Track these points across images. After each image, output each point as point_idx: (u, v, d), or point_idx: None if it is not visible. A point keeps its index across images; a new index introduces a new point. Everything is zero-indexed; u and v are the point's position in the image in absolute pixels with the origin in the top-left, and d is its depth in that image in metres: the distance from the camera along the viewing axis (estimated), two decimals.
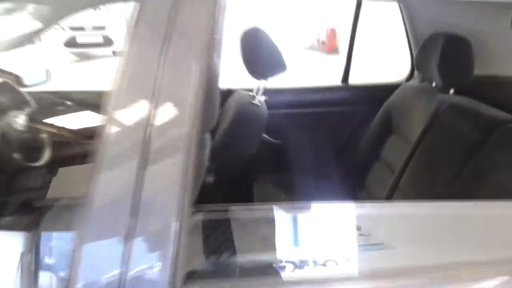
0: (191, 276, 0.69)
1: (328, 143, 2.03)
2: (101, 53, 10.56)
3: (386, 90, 1.99)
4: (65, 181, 1.50)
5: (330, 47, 10.79)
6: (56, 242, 0.79)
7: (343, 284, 0.73)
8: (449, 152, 1.36)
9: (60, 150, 1.62)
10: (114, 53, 10.80)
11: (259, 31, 1.64)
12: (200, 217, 0.77)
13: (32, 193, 1.48)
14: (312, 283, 0.72)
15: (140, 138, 0.68)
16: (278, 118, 1.96)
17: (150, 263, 0.66)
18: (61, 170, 1.60)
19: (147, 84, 0.70)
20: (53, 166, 1.54)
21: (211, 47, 0.75)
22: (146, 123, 0.68)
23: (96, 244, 0.66)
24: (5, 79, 1.90)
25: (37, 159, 1.61)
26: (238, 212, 0.92)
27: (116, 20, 10.90)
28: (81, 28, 10.18)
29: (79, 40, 10.21)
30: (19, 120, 1.80)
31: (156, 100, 0.69)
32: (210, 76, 0.76)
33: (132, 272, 0.65)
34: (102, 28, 10.30)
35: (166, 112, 0.70)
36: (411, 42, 2.02)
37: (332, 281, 0.73)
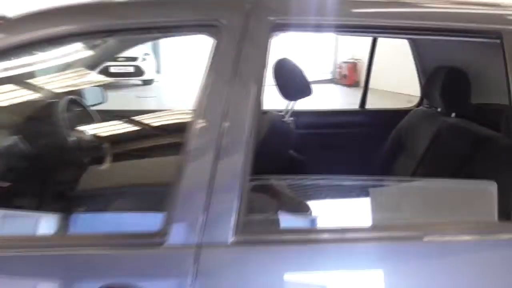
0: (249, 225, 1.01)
1: (346, 160, 2.32)
2: (131, 82, 11.11)
3: (399, 114, 2.28)
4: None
5: (351, 80, 11.15)
6: None
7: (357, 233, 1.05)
8: (447, 163, 1.63)
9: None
10: (144, 82, 11.34)
11: (289, 61, 1.97)
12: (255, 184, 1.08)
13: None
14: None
15: (214, 139, 1.01)
16: (303, 137, 2.25)
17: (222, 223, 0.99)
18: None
19: (220, 103, 1.03)
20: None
21: (263, 76, 1.08)
22: (219, 129, 1.01)
23: (182, 215, 0.99)
24: (74, 97, 2.27)
25: (100, 162, 1.95)
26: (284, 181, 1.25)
27: (147, 52, 11.49)
28: (114, 59, 10.71)
29: (112, 69, 10.67)
30: (87, 132, 2.17)
31: (226, 113, 1.03)
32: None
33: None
34: (134, 59, 10.83)
35: (233, 122, 1.03)
36: (420, 74, 2.32)
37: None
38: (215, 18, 1.09)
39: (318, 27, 1.15)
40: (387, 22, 1.18)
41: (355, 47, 10.77)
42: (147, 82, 11.48)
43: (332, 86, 11.47)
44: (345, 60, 11.49)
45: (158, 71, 12.27)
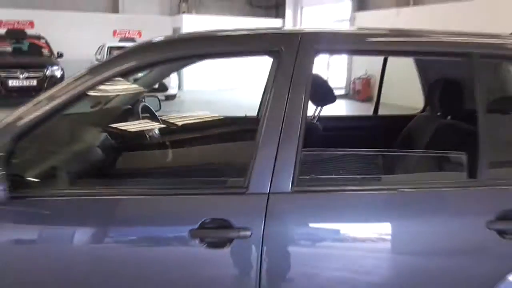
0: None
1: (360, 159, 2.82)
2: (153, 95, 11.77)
3: (407, 119, 2.79)
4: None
5: (364, 96, 11.66)
6: None
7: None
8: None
9: None
10: (167, 97, 11.99)
11: (318, 74, 2.50)
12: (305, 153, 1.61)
13: None
14: None
15: (279, 127, 1.54)
16: (327, 137, 2.76)
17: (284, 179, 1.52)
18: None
19: (281, 103, 1.56)
20: None
21: (310, 85, 1.62)
22: (281, 121, 1.54)
23: (258, 173, 1.54)
24: (145, 104, 2.85)
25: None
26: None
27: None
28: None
29: None
30: (155, 131, 2.77)
31: (285, 109, 1.56)
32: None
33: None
34: None
35: (290, 115, 1.56)
36: (423, 86, 2.84)
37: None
38: (278, 46, 1.63)
39: (346, 51, 1.71)
40: (394, 48, 1.74)
41: (368, 64, 11.34)
42: (170, 97, 12.09)
43: (346, 101, 11.99)
44: (359, 76, 12.02)
45: (180, 88, 12.94)
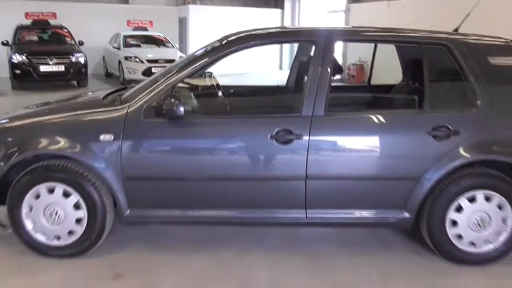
0: None
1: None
2: None
3: (392, 86, 4.12)
4: None
5: (358, 80, 12.99)
6: None
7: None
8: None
9: None
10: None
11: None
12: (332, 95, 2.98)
13: None
14: None
15: (316, 86, 2.91)
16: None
17: (318, 106, 2.89)
18: None
19: (317, 72, 2.92)
20: None
21: (333, 60, 2.97)
22: (317, 82, 2.90)
23: (306, 106, 2.91)
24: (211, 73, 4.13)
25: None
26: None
27: (182, 55, 13.39)
28: (155, 61, 12.58)
29: (153, 70, 12.49)
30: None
31: (320, 77, 2.91)
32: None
33: None
34: (172, 61, 12.70)
35: (322, 80, 2.92)
36: (401, 64, 4.16)
37: None
38: (315, 37, 2.98)
39: (352, 40, 3.07)
40: (379, 38, 3.10)
41: (362, 52, 12.66)
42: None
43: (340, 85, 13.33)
44: (353, 63, 13.33)
45: None
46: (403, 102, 3.52)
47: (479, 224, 2.97)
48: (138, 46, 13.41)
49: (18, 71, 11.22)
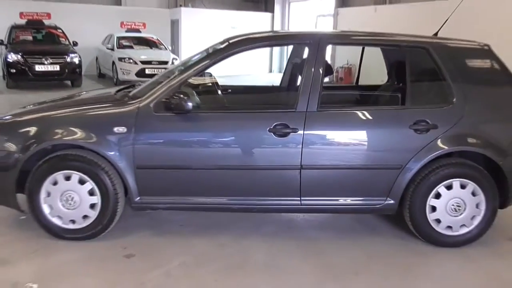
0: None
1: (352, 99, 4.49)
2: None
3: (378, 86, 4.46)
4: None
5: (346, 82, 13.37)
6: None
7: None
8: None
9: None
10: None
11: None
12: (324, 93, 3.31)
13: None
14: None
15: (310, 85, 3.23)
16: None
17: (312, 101, 3.22)
18: None
19: (310, 72, 3.26)
20: None
21: (325, 62, 3.30)
22: (311, 81, 3.23)
23: (301, 102, 3.22)
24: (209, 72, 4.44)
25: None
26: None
27: (175, 57, 13.65)
28: (149, 62, 12.82)
29: (147, 71, 12.73)
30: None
31: (313, 75, 3.25)
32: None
33: None
34: (165, 63, 12.96)
35: (315, 79, 3.24)
36: (386, 66, 4.50)
37: None
38: (307, 40, 3.30)
39: (342, 44, 3.40)
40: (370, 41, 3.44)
41: (349, 55, 13.06)
42: None
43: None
44: (341, 66, 13.72)
45: None
46: (388, 99, 3.86)
47: (455, 209, 3.31)
48: (131, 47, 13.64)
49: (13, 70, 11.40)
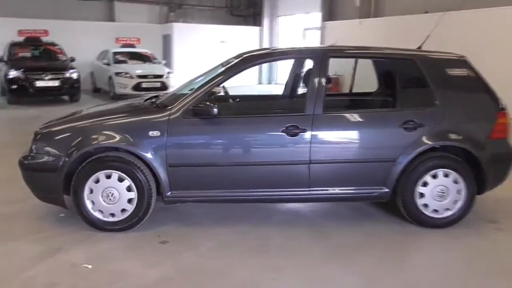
0: None
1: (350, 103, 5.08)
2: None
3: (370, 93, 5.06)
4: None
5: (334, 91, 14.03)
6: None
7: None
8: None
9: None
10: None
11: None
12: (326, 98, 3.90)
13: None
14: None
15: (315, 93, 3.81)
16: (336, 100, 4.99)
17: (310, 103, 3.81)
18: None
19: (314, 83, 3.84)
20: None
21: (328, 73, 3.89)
22: (316, 88, 3.82)
23: (309, 104, 3.81)
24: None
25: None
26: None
27: (170, 71, 14.17)
28: (145, 76, 13.32)
29: (143, 85, 13.22)
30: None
31: (318, 84, 3.83)
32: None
33: None
34: (161, 76, 13.48)
35: (319, 87, 3.83)
36: (377, 76, 5.10)
37: None
38: (313, 54, 3.89)
39: (341, 57, 4.00)
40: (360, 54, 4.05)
41: (337, 67, 13.74)
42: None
43: None
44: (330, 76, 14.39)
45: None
46: (381, 103, 4.48)
47: (440, 195, 3.89)
48: (126, 62, 14.13)
49: (14, 86, 11.80)
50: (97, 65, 14.72)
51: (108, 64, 13.89)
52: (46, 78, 12.04)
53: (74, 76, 12.47)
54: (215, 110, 3.64)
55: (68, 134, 3.86)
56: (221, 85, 4.71)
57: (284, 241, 3.78)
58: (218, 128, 3.79)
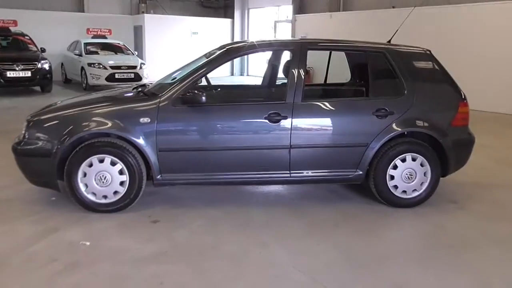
0: None
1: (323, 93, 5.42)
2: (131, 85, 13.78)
3: (343, 84, 5.41)
4: None
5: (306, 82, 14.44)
6: None
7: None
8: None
9: None
10: (144, 86, 14.01)
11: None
12: (306, 88, 4.21)
13: None
14: None
15: (296, 82, 4.13)
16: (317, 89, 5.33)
17: (297, 95, 4.13)
18: None
19: (294, 73, 4.16)
20: None
21: (306, 64, 4.20)
22: (295, 78, 4.13)
23: (290, 93, 4.13)
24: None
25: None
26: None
27: (143, 62, 14.24)
28: (118, 67, 13.36)
29: (116, 76, 13.28)
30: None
31: (296, 76, 4.14)
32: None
33: None
34: (134, 67, 13.54)
35: (299, 77, 4.14)
36: (350, 67, 5.45)
37: None
38: (292, 47, 4.21)
39: (317, 49, 4.33)
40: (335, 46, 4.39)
41: (309, 58, 14.12)
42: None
43: None
44: None
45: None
46: (355, 93, 4.84)
47: (408, 177, 4.28)
48: (97, 53, 14.10)
49: None
50: (68, 56, 14.62)
51: (80, 55, 13.83)
52: (18, 68, 11.91)
53: (46, 66, 12.39)
54: (204, 98, 3.90)
55: (59, 121, 4.04)
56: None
57: (268, 219, 4.09)
58: (206, 115, 4.05)
